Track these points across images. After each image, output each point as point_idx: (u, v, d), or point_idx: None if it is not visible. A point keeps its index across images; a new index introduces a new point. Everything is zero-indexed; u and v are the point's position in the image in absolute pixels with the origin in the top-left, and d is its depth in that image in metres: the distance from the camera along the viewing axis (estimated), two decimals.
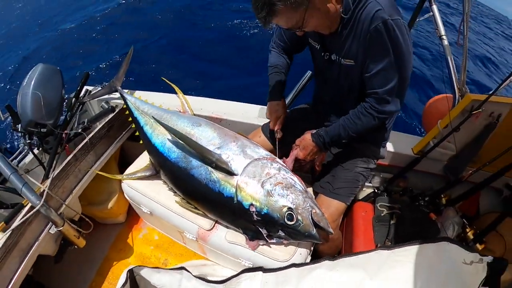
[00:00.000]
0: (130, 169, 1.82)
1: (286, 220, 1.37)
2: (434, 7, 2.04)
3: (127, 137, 2.10)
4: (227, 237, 1.57)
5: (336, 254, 1.90)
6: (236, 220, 1.50)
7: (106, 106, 2.11)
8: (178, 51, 6.15)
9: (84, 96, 2.16)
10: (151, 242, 2.07)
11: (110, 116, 1.96)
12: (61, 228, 1.62)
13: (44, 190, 1.58)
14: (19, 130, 1.97)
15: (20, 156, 2.07)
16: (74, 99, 2.10)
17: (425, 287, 1.42)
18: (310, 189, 1.84)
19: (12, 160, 2.03)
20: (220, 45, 6.24)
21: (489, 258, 1.20)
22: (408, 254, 1.50)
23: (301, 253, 1.54)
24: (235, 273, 1.53)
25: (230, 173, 1.46)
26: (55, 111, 1.99)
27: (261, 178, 1.43)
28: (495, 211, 2.26)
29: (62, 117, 2.09)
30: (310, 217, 1.38)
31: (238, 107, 2.25)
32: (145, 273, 1.56)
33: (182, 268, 1.51)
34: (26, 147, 2.03)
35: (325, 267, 1.52)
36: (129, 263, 1.97)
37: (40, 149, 2.07)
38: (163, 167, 1.67)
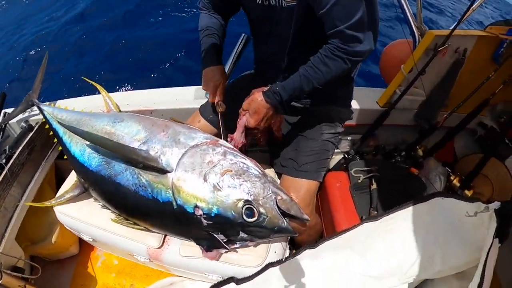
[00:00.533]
0: (59, 192, 1.43)
1: (245, 217, 1.01)
2: None
3: (56, 155, 1.69)
4: (181, 252, 1.21)
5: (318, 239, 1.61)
6: (182, 230, 1.13)
7: (24, 126, 1.77)
8: (96, 47, 5.24)
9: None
10: (112, 269, 1.68)
11: (29, 136, 1.61)
12: (0, 282, 1.25)
13: None
14: None
15: None
16: None
17: (426, 253, 1.13)
18: (270, 171, 1.49)
19: None
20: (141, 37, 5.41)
21: (495, 205, 0.92)
22: (398, 220, 1.22)
23: (276, 251, 1.21)
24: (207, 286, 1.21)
25: (162, 171, 1.07)
26: None
27: (202, 170, 1.05)
28: (472, 153, 2.06)
29: None
30: (275, 207, 1.01)
31: (171, 93, 1.85)
32: None
33: None
34: None
35: (307, 257, 1.22)
36: None
37: None
38: (88, 180, 1.29)
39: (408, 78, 1.71)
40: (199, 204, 1.04)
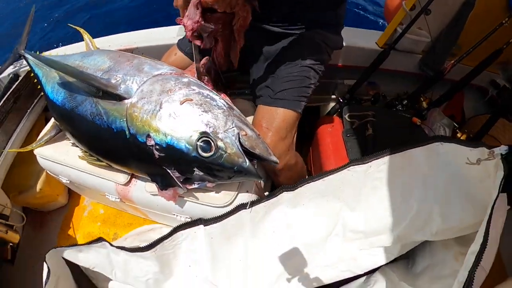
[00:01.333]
0: (39, 136, 1.39)
1: (200, 150, 0.89)
2: None
3: (43, 105, 1.67)
4: (147, 187, 1.13)
5: None
6: (137, 163, 1.03)
7: (12, 76, 1.75)
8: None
9: None
10: (97, 218, 1.67)
11: (15, 85, 1.59)
12: None
13: None
14: None
15: None
16: None
17: (423, 209, 0.97)
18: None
19: None
20: None
21: (502, 149, 0.74)
22: (391, 166, 1.06)
23: (248, 190, 1.09)
24: None
25: (119, 97, 0.98)
26: None
27: (160, 97, 0.95)
28: (481, 114, 1.83)
29: None
30: (237, 143, 0.89)
31: (154, 33, 1.75)
32: (69, 255, 1.19)
33: (100, 239, 1.12)
34: None
35: (285, 203, 1.05)
36: None
37: None
38: (57, 116, 1.23)
39: (411, 15, 1.50)
40: (151, 133, 0.94)
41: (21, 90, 1.57)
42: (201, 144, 0.90)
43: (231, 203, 1.07)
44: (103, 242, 1.10)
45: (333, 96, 1.78)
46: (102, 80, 1.04)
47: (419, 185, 0.99)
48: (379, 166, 1.05)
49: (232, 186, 1.09)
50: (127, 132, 0.97)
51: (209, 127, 0.91)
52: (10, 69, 1.81)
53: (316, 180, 1.06)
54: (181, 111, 0.93)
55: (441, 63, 1.61)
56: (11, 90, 1.53)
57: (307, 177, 1.04)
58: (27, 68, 1.73)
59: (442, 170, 0.95)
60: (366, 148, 1.44)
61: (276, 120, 1.16)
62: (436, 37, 1.61)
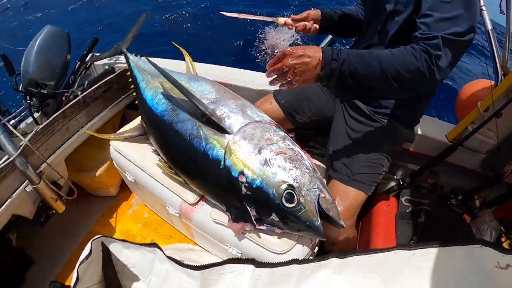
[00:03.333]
0: (120, 131, 1.44)
1: (283, 200, 0.93)
2: None
3: (127, 103, 1.72)
4: (212, 214, 1.14)
5: None
6: (219, 191, 1.06)
7: (108, 68, 1.81)
8: (194, 22, 5.46)
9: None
10: (140, 220, 1.66)
11: (109, 77, 1.64)
12: (36, 186, 1.29)
13: (23, 143, 1.26)
14: (20, 89, 1.72)
15: (18, 118, 1.80)
16: (78, 62, 1.84)
17: None
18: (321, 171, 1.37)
19: (9, 121, 1.76)
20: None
21: None
22: (433, 259, 1.02)
23: (303, 246, 1.08)
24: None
25: (222, 130, 1.03)
26: (57, 72, 1.71)
27: (259, 142, 1.00)
28: None
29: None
30: (315, 203, 0.93)
31: (249, 74, 1.78)
32: (114, 247, 1.17)
33: (154, 245, 1.11)
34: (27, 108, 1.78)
35: (332, 268, 1.03)
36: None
37: (40, 112, 1.81)
38: (150, 123, 1.28)
39: (483, 117, 1.49)
40: (245, 171, 0.98)
41: (113, 83, 1.63)
42: (286, 195, 0.94)
43: (286, 252, 1.07)
44: (155, 249, 1.08)
45: (391, 175, 1.74)
46: (209, 108, 1.09)
47: (452, 284, 0.96)
48: (422, 256, 1.05)
49: (292, 237, 1.09)
50: (222, 162, 1.00)
51: (296, 182, 0.95)
52: (105, 61, 1.87)
53: (364, 254, 1.05)
54: (275, 161, 0.98)
55: (503, 166, 1.58)
56: (105, 80, 1.58)
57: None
58: (122, 65, 1.81)
59: (476, 273, 0.93)
60: (415, 234, 1.42)
61: (349, 199, 1.21)
62: (502, 140, 1.57)
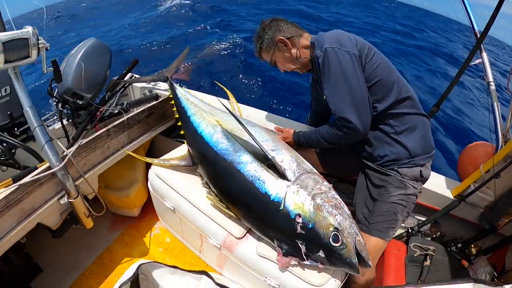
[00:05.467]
0: (164, 157, 1.46)
1: (331, 240, 1.05)
2: (484, 54, 1.83)
3: (162, 130, 1.74)
4: (259, 249, 1.19)
5: None
6: (275, 229, 1.13)
7: (149, 94, 1.80)
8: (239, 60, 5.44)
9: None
10: (162, 244, 1.65)
11: (153, 103, 1.64)
12: (73, 200, 1.27)
13: (66, 155, 1.24)
14: (54, 95, 1.66)
15: (47, 122, 1.74)
16: (117, 80, 1.81)
17: None
18: None
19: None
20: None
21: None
22: None
23: (336, 281, 1.17)
24: None
25: (283, 176, 1.13)
26: (95, 86, 1.70)
27: (312, 191, 1.12)
28: None
29: (101, 96, 1.80)
30: (354, 244, 1.07)
31: (290, 123, 1.85)
32: (158, 272, 1.15)
33: (203, 272, 1.10)
34: (56, 115, 1.71)
35: None
36: (133, 260, 1.54)
37: (70, 121, 1.75)
38: (204, 158, 1.32)
39: (484, 177, 1.67)
40: (302, 213, 1.08)
41: (156, 109, 1.65)
42: (333, 236, 1.06)
43: (323, 285, 1.14)
44: (204, 276, 1.07)
45: (403, 224, 1.86)
46: (270, 154, 1.19)
47: None
48: None
49: (328, 272, 1.17)
50: (282, 205, 1.10)
51: (340, 226, 1.08)
52: (143, 84, 1.86)
53: None
54: (325, 208, 1.10)
55: (498, 219, 1.75)
56: (149, 105, 1.58)
57: None
58: (161, 91, 1.81)
59: None
60: (421, 275, 1.55)
61: (368, 245, 1.28)
62: (498, 197, 1.75)
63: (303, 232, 1.07)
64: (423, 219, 1.78)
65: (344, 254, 1.05)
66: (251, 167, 1.16)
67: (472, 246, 1.79)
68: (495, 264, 1.85)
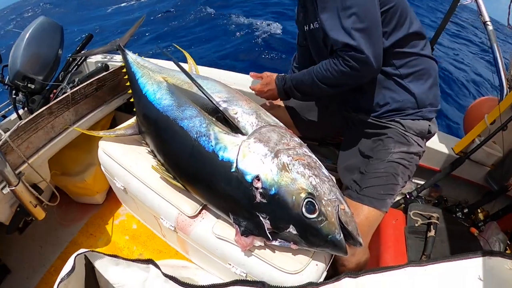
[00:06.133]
0: (109, 130, 1.19)
1: (303, 210, 0.74)
2: None
3: (119, 105, 1.48)
4: (215, 229, 0.90)
5: None
6: (228, 199, 0.83)
7: (102, 65, 1.57)
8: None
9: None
10: (128, 231, 1.39)
11: (103, 74, 1.40)
12: (14, 187, 1.04)
13: (3, 138, 1.03)
14: (5, 82, 1.44)
15: (2, 113, 1.52)
16: (69, 57, 1.58)
17: None
18: None
19: None
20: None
21: None
22: (444, 273, 0.86)
23: (318, 265, 0.87)
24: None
25: (237, 130, 0.83)
26: (47, 67, 1.45)
27: (276, 146, 0.81)
28: None
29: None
30: (336, 214, 0.76)
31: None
32: (100, 263, 0.92)
33: (149, 261, 0.87)
34: (11, 104, 1.50)
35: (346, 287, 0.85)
36: (98, 250, 1.32)
37: (26, 109, 1.53)
38: (147, 120, 1.04)
39: (490, 130, 1.37)
40: (262, 176, 0.77)
41: (107, 81, 1.40)
42: (307, 204, 0.75)
43: (299, 272, 0.84)
44: (151, 266, 0.83)
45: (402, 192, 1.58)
46: (222, 105, 0.89)
47: None
48: (434, 271, 0.86)
49: (306, 254, 0.87)
50: (234, 165, 0.79)
51: (316, 191, 0.77)
52: (99, 58, 1.64)
53: (377, 272, 0.86)
54: (294, 167, 0.79)
55: (507, 179, 1.44)
56: (97, 77, 1.34)
57: None
58: (117, 63, 1.57)
59: (492, 284, 0.76)
60: (425, 248, 1.24)
61: (360, 217, 1.00)
62: (507, 153, 1.45)
63: (265, 201, 0.76)
64: (422, 182, 1.46)
65: (323, 228, 0.75)
66: (196, 122, 0.87)
67: (479, 210, 1.47)
68: (506, 230, 1.56)
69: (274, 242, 0.81)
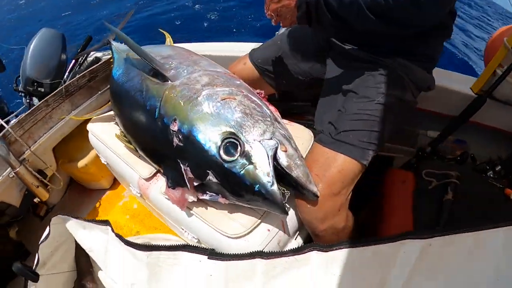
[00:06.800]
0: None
1: (221, 151, 0.63)
2: None
3: None
4: (163, 188, 0.84)
5: None
6: (156, 148, 0.77)
7: (94, 59, 1.68)
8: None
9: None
10: (129, 211, 1.44)
11: (94, 66, 1.50)
12: (16, 170, 1.17)
13: (5, 130, 1.16)
14: (19, 90, 1.66)
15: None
16: (73, 61, 1.73)
17: None
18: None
19: (10, 120, 1.70)
20: None
21: None
22: (456, 250, 0.61)
23: (270, 230, 0.74)
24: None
25: (165, 78, 0.77)
26: (53, 71, 1.62)
27: (203, 88, 0.72)
28: None
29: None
30: (269, 156, 0.62)
31: (229, 46, 1.50)
32: (71, 227, 0.95)
33: (106, 222, 0.85)
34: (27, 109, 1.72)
35: (313, 265, 0.66)
36: None
37: None
38: (111, 93, 1.06)
39: None
40: (178, 117, 0.70)
41: (99, 72, 1.47)
42: (225, 144, 0.64)
43: (242, 237, 0.73)
44: (108, 227, 0.81)
45: (407, 148, 1.31)
46: (157, 61, 0.85)
47: (490, 280, 0.57)
48: (442, 247, 0.62)
49: (252, 217, 0.75)
50: (157, 112, 0.74)
51: (243, 130, 0.65)
52: (98, 54, 1.76)
53: (357, 246, 0.66)
54: (218, 106, 0.69)
55: None
56: (89, 69, 1.42)
57: None
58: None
59: None
60: (439, 216, 0.98)
61: (331, 169, 0.78)
62: None
63: (181, 144, 0.67)
64: (437, 134, 1.18)
65: (247, 175, 0.62)
66: (135, 82, 0.84)
67: None
68: None
69: (204, 196, 0.71)
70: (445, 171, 1.07)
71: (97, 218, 1.46)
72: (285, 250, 0.73)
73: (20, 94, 1.64)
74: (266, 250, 0.71)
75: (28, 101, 1.62)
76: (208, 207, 0.76)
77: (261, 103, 0.73)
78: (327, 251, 0.64)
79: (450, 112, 1.17)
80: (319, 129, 0.88)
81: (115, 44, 1.35)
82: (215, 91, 0.70)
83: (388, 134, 0.84)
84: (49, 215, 1.50)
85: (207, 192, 0.70)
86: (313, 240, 0.85)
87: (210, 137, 0.65)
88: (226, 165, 0.63)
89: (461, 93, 1.11)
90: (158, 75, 0.80)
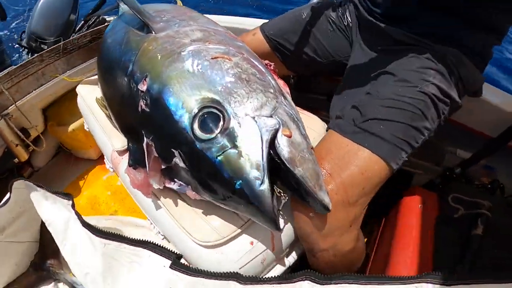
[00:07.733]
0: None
1: (195, 123, 0.45)
2: None
3: None
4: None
5: None
6: (123, 113, 0.61)
7: (99, 19, 1.56)
8: None
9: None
10: (111, 187, 1.31)
11: (98, 27, 1.36)
12: None
13: None
14: (22, 44, 1.56)
15: None
16: (82, 21, 1.61)
17: None
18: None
19: None
20: None
21: None
22: None
23: (253, 244, 0.55)
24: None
25: (148, 29, 0.61)
26: (58, 29, 1.54)
27: (192, 43, 0.54)
28: None
29: None
30: (264, 141, 0.44)
31: (241, 20, 1.30)
32: (34, 196, 0.81)
33: (69, 196, 0.71)
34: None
35: None
36: (79, 203, 1.25)
37: None
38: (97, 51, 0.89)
39: None
40: (149, 75, 0.52)
41: (101, 34, 1.31)
42: (203, 114, 0.45)
43: (215, 247, 0.55)
44: (69, 201, 0.66)
45: (437, 167, 1.09)
46: (146, 12, 0.68)
47: None
48: None
49: (234, 224, 0.56)
50: (130, 67, 0.57)
51: (232, 99, 0.46)
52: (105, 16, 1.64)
53: (362, 283, 0.47)
54: (205, 65, 0.51)
55: None
56: (92, 30, 1.29)
57: None
58: None
59: None
60: (465, 253, 0.78)
61: (351, 167, 0.56)
62: None
63: (147, 109, 0.50)
64: (469, 155, 0.98)
65: (226, 162, 0.44)
66: (118, 35, 0.68)
67: None
68: None
69: (171, 185, 0.53)
70: (476, 199, 0.87)
71: (78, 190, 1.33)
72: (271, 271, 0.56)
73: (22, 49, 1.55)
74: (245, 268, 0.54)
75: (29, 57, 1.52)
76: (180, 200, 0.59)
77: (265, 71, 0.55)
78: (323, 284, 0.47)
79: (485, 131, 0.94)
80: (337, 114, 0.66)
81: (122, 6, 1.22)
82: (206, 47, 0.53)
83: (427, 134, 0.63)
84: (33, 177, 1.40)
85: (175, 179, 0.52)
86: (308, 260, 0.65)
87: (184, 102, 0.46)
88: (198, 144, 0.44)
89: (504, 111, 0.89)
90: (144, 28, 0.64)
